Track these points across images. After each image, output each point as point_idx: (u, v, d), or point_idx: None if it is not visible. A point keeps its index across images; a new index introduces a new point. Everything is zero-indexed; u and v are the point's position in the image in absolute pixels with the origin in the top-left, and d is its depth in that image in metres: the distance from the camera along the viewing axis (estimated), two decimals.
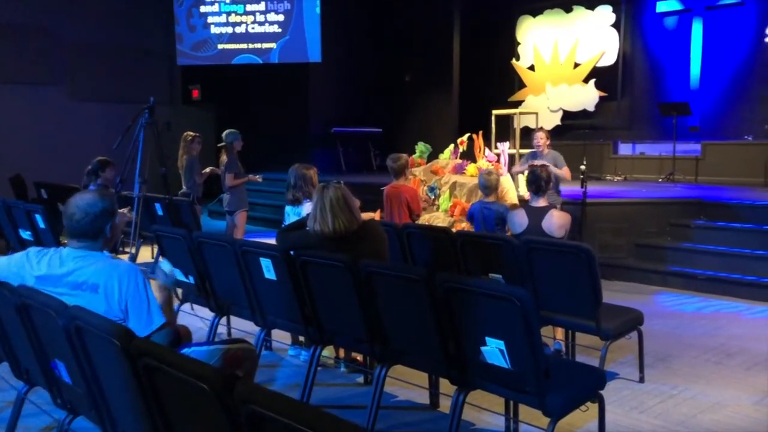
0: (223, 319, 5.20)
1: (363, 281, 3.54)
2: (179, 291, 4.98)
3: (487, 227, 5.49)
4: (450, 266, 4.81)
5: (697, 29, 11.83)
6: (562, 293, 4.32)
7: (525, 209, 4.98)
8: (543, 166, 5.08)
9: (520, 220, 4.91)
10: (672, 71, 12.22)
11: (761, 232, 7.35)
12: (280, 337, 5.00)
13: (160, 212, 7.33)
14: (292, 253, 3.91)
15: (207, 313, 4.89)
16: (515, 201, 7.43)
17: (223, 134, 7.57)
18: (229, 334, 5.37)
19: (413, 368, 3.69)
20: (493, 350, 3.06)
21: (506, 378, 3.10)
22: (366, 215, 5.45)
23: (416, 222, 5.91)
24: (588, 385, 3.32)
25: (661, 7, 12.26)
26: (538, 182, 4.89)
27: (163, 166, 6.31)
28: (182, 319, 5.19)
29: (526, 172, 6.86)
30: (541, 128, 7.77)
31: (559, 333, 4.95)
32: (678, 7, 12.07)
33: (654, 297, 7.03)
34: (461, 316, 3.16)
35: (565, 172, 7.24)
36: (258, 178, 7.64)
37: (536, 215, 4.86)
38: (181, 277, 4.88)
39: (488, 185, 5.62)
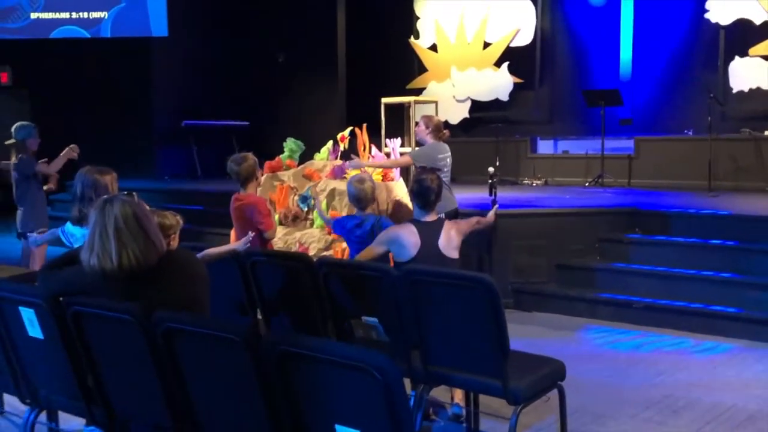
0: None
1: (160, 342, 2.99)
2: None
3: (354, 249, 5.14)
4: (311, 308, 4.37)
5: (627, 4, 11.86)
6: (458, 342, 3.92)
7: (415, 226, 4.61)
8: (432, 173, 4.75)
9: (411, 241, 4.54)
10: (599, 53, 12.19)
11: (708, 248, 7.25)
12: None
13: None
14: (62, 300, 3.29)
15: None
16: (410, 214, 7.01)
17: (13, 129, 6.88)
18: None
19: None
20: None
21: None
22: (221, 250, 4.56)
23: (268, 243, 5.39)
24: None
25: None
26: (427, 196, 4.59)
27: None
28: None
29: None
30: (425, 116, 7.25)
31: (459, 394, 4.56)
32: None
33: (581, 333, 6.86)
34: (301, 393, 2.70)
35: (401, 159, 7.15)
36: (73, 151, 6.84)
37: (430, 233, 4.54)
38: None
39: (360, 196, 5.19)
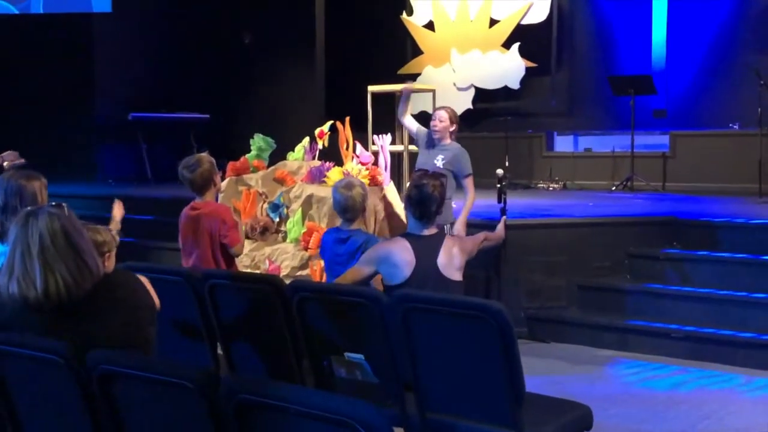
0: None
1: (95, 388, 2.95)
2: None
3: (335, 270, 5.14)
4: (283, 343, 4.36)
5: None
6: (462, 383, 3.94)
7: (409, 241, 4.65)
8: (436, 178, 4.73)
9: (404, 260, 4.57)
10: (628, 33, 12.31)
11: (760, 266, 7.23)
12: None
13: None
14: None
15: None
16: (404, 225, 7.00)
17: None
18: None
19: None
20: None
21: None
22: None
23: (235, 260, 5.52)
24: None
25: None
26: (428, 205, 4.60)
27: None
28: None
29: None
30: (447, 107, 7.47)
31: None
32: None
33: (608, 368, 6.86)
34: None
35: (468, 186, 7.07)
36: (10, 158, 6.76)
37: (427, 249, 4.58)
38: None
39: (348, 205, 5.17)
